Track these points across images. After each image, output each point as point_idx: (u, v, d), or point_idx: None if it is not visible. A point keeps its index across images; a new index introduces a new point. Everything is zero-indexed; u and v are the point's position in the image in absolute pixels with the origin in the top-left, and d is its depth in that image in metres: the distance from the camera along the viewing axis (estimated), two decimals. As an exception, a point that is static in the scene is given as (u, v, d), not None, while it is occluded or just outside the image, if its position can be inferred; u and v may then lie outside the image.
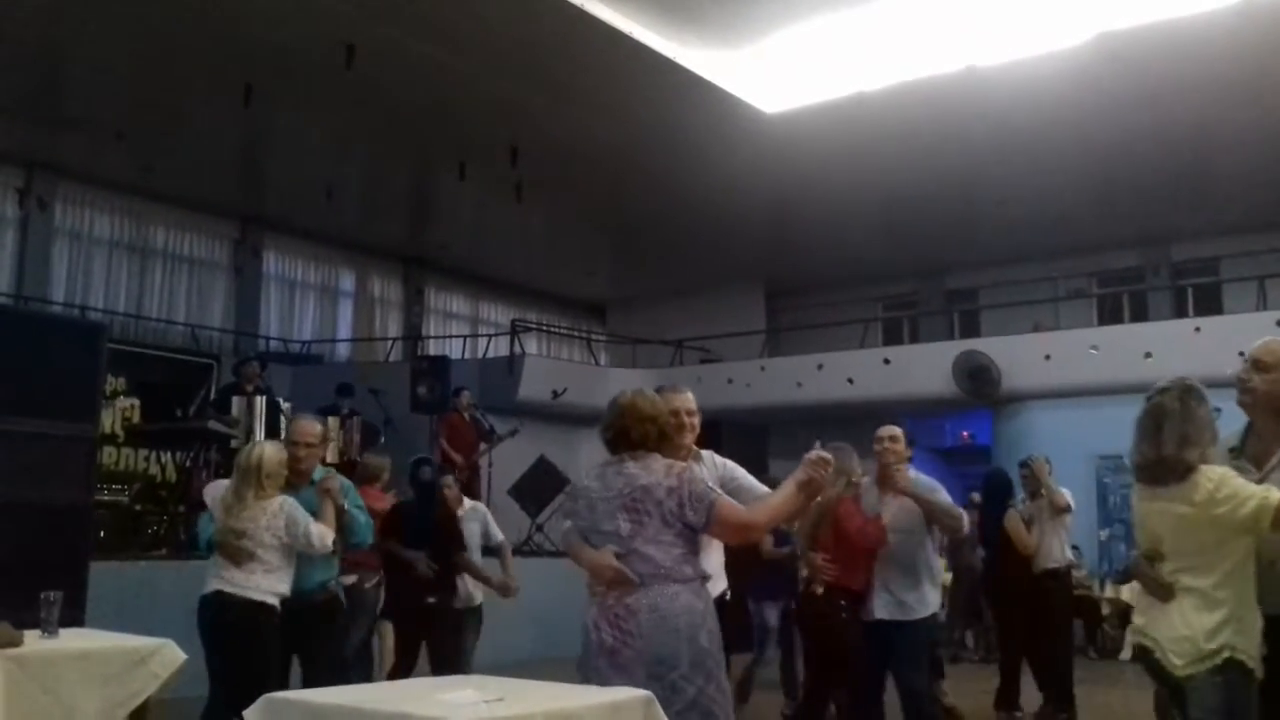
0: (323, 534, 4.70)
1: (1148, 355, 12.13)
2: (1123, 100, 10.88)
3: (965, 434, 16.23)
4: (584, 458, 15.40)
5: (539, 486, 12.54)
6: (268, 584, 4.60)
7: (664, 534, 3.35)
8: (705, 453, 4.16)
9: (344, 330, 17.38)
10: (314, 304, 17.05)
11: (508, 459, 12.23)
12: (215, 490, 4.95)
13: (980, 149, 12.14)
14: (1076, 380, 12.55)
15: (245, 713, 3.14)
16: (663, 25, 10.06)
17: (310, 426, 5.14)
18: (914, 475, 5.16)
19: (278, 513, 4.63)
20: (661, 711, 3.15)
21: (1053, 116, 11.23)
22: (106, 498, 8.95)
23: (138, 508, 9.43)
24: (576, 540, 3.52)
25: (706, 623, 3.36)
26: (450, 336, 18.07)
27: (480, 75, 10.64)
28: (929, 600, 5.10)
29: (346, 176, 14.13)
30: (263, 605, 4.58)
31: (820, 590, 5.08)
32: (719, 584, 3.99)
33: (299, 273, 16.84)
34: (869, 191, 13.66)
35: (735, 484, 4.00)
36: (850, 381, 14.24)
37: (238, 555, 4.57)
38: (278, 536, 4.61)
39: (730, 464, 4.17)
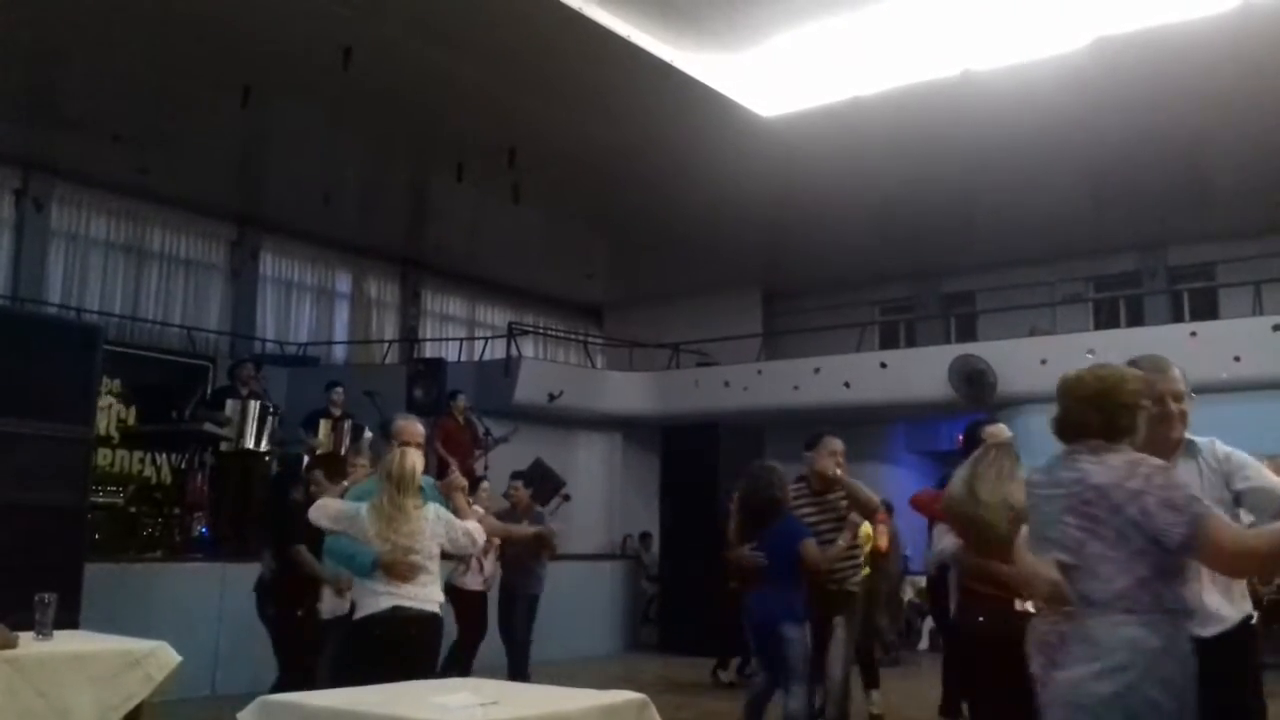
0: (478, 531, 4.62)
1: (1144, 359, 12.12)
2: (1120, 105, 10.89)
3: (961, 438, 16.23)
4: (581, 460, 15.44)
5: (535, 489, 12.52)
6: (437, 594, 4.50)
7: (1120, 548, 2.64)
8: (1204, 441, 3.19)
9: (340, 332, 17.35)
10: (310, 306, 17.01)
11: (504, 462, 12.21)
12: (332, 509, 4.65)
13: (977, 153, 12.14)
14: (1073, 384, 12.54)
15: (239, 715, 3.14)
16: (660, 29, 10.06)
17: (417, 427, 4.97)
18: None
19: (437, 520, 4.51)
20: (656, 714, 3.12)
21: (1049, 121, 11.23)
22: (102, 499, 8.95)
23: (133, 510, 9.42)
24: (1021, 544, 2.92)
25: (1161, 668, 2.59)
26: (447, 339, 18.05)
27: (478, 78, 10.64)
28: None
29: (343, 179, 14.12)
30: (437, 617, 4.47)
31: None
32: (1215, 620, 2.98)
33: (295, 275, 16.80)
34: (866, 195, 13.66)
35: (1249, 484, 3.06)
36: (847, 385, 14.24)
37: (412, 572, 4.37)
38: (440, 544, 4.50)
39: (1239, 457, 3.14)
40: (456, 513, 4.65)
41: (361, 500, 4.57)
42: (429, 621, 4.40)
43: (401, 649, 4.28)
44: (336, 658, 4.76)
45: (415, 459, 4.51)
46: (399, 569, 4.34)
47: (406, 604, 4.34)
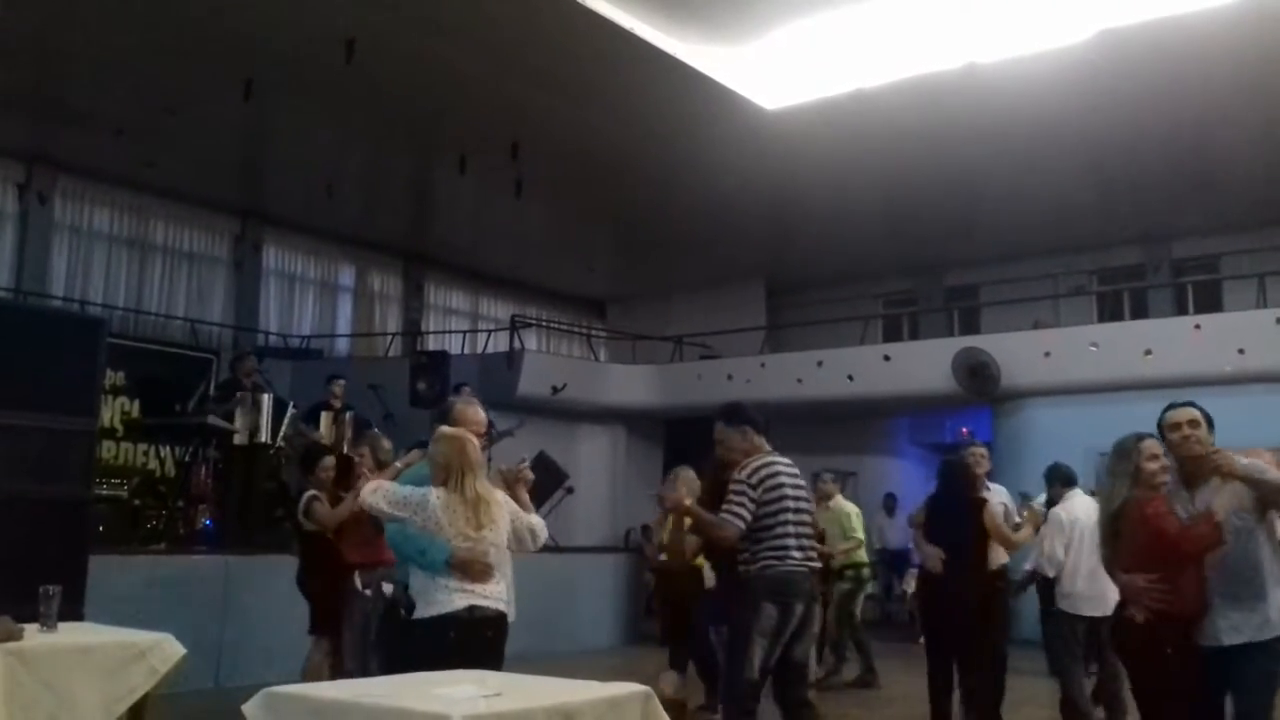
0: (541, 528, 4.28)
1: (1148, 352, 12.12)
2: (1124, 97, 10.86)
3: (965, 431, 16.22)
4: (584, 453, 15.45)
5: (538, 482, 12.50)
6: (505, 590, 4.09)
7: None
8: None
9: (344, 325, 17.38)
10: (314, 299, 17.04)
11: (507, 455, 12.21)
12: (392, 493, 4.04)
13: (981, 146, 12.12)
14: (1076, 377, 12.54)
15: (244, 707, 3.14)
16: (663, 21, 10.05)
17: (480, 414, 4.61)
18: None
19: (506, 513, 4.13)
20: (661, 709, 3.13)
21: (1053, 113, 11.21)
22: (106, 492, 8.98)
23: (137, 502, 9.44)
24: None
25: None
26: (450, 332, 18.07)
27: (481, 70, 10.63)
28: None
29: (347, 171, 14.13)
30: (505, 616, 4.08)
31: (1141, 619, 3.98)
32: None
33: (299, 268, 16.82)
34: (869, 188, 13.64)
35: None
36: (850, 378, 14.24)
37: (488, 573, 3.97)
38: (509, 540, 4.14)
39: None
40: (524, 507, 4.34)
41: (420, 486, 4.08)
42: (500, 621, 4.02)
43: (474, 651, 3.77)
44: (403, 659, 4.36)
45: (475, 442, 4.12)
46: (475, 570, 3.90)
47: (482, 603, 3.91)
